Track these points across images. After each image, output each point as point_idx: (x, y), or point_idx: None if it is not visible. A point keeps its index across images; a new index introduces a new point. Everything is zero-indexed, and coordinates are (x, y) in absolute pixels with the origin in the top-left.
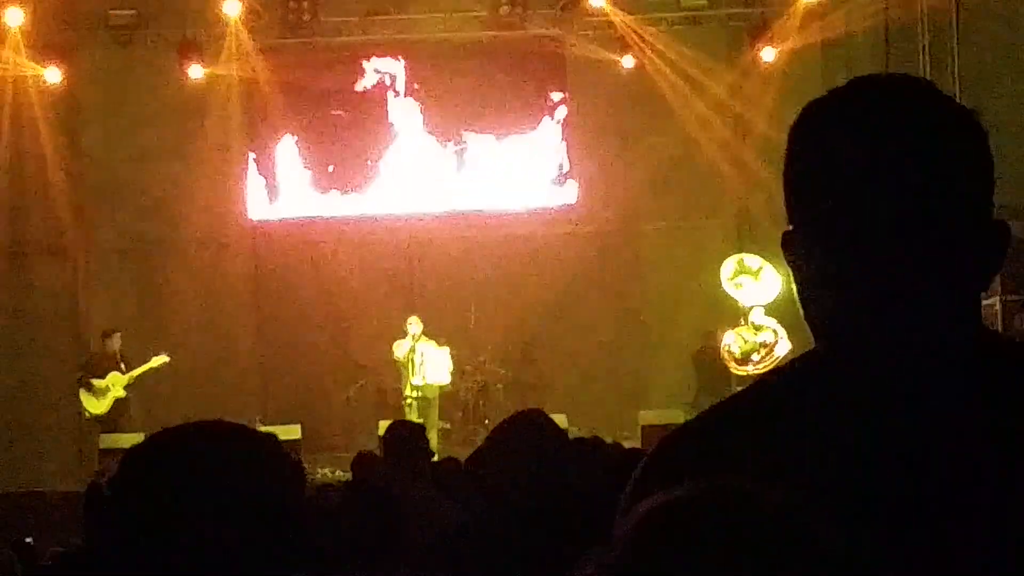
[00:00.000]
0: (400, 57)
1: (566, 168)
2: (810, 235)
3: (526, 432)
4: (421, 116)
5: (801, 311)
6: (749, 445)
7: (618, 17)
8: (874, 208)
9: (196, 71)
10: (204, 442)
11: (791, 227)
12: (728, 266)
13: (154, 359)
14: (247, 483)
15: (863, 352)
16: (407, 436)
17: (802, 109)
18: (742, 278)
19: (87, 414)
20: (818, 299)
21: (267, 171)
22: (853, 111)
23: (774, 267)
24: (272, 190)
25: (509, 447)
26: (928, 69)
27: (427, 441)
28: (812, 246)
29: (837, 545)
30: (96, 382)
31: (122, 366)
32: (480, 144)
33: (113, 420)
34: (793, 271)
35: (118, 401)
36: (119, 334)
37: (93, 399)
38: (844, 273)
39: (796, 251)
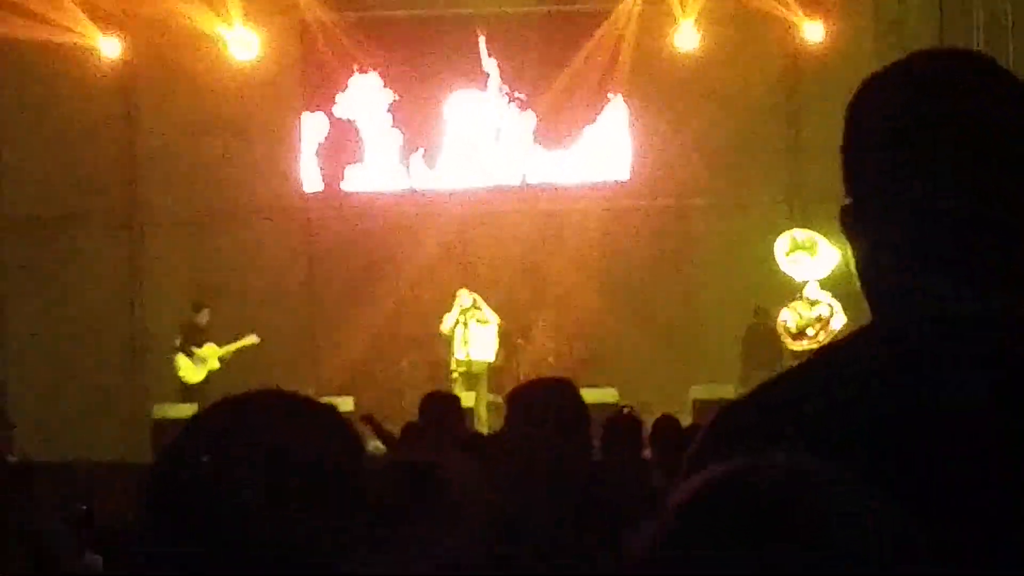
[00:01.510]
0: (448, 29)
1: (621, 143)
2: (870, 208)
3: (545, 399)
4: (475, 90)
5: (859, 284)
6: (805, 418)
7: None
8: (937, 180)
9: (247, 43)
10: (264, 410)
11: (849, 200)
12: (783, 242)
13: (246, 338)
14: (307, 451)
15: (924, 325)
16: (440, 407)
17: (862, 82)
18: (798, 254)
19: (182, 380)
20: (877, 272)
21: (321, 143)
22: (914, 83)
23: (828, 242)
24: (327, 163)
25: (530, 414)
26: (982, 48)
27: (460, 412)
28: (872, 219)
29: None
30: (198, 351)
31: (213, 336)
32: (534, 119)
33: (200, 391)
34: (851, 244)
35: (210, 373)
36: (208, 308)
37: (192, 367)
38: (905, 246)
39: (854, 224)
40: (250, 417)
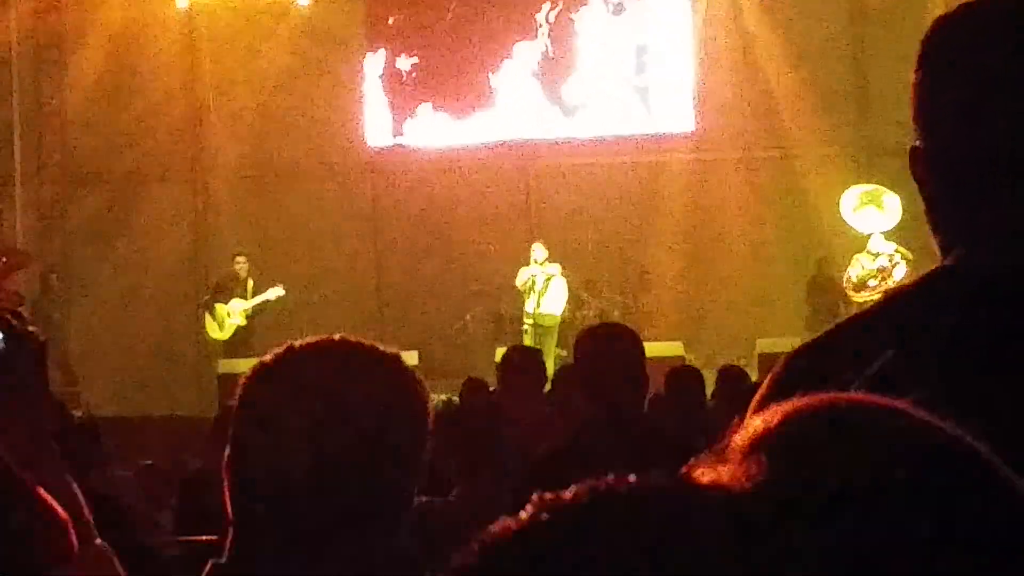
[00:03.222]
0: None
1: (686, 95)
2: (943, 149)
3: (607, 345)
4: (540, 39)
5: (930, 226)
6: (873, 360)
7: None
8: (1015, 119)
9: None
10: (328, 358)
11: (919, 143)
12: (850, 198)
13: (270, 290)
14: (375, 394)
15: (1002, 266)
16: (518, 359)
17: (936, 20)
18: (866, 209)
19: (209, 338)
20: (951, 214)
21: (385, 97)
22: (991, 20)
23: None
24: (391, 116)
25: (594, 358)
26: None
27: (541, 364)
28: (945, 160)
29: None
30: (218, 307)
31: (250, 289)
32: (600, 68)
33: (237, 345)
34: (921, 187)
35: (240, 329)
36: (245, 257)
37: (214, 324)
38: (980, 187)
39: (926, 166)
40: (314, 364)
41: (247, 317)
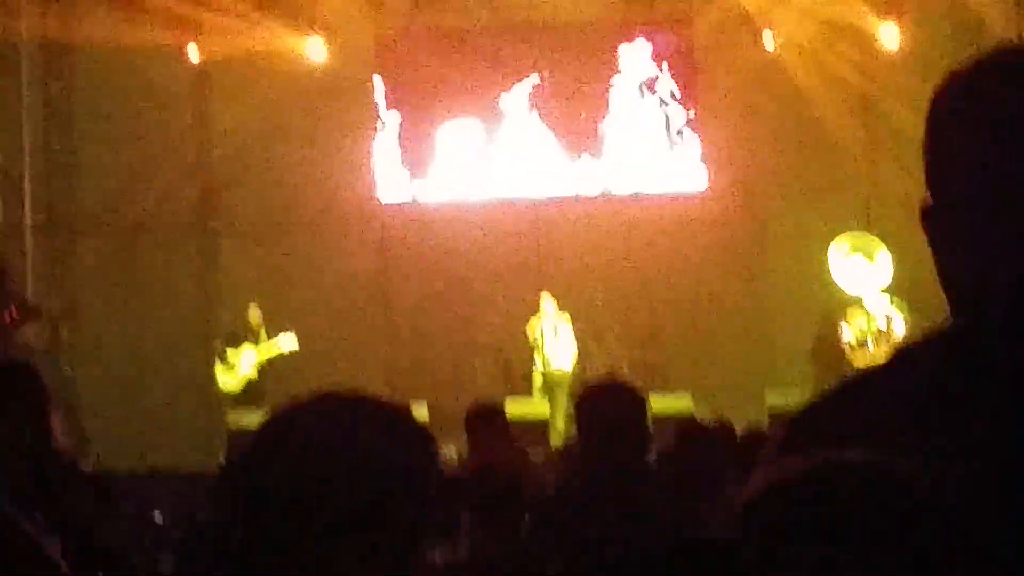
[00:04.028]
0: (526, 37)
1: (693, 150)
2: (956, 207)
3: (607, 403)
4: (546, 98)
5: (940, 283)
6: (882, 418)
7: None
8: None
9: (322, 50)
10: (337, 412)
11: (932, 199)
12: (840, 245)
13: (283, 341)
14: (382, 452)
15: (1017, 326)
16: (482, 414)
17: (946, 78)
18: (855, 256)
19: (219, 389)
20: (963, 273)
21: (395, 151)
22: (1005, 75)
23: (891, 249)
24: (401, 170)
25: (593, 417)
26: None
27: (501, 417)
28: (958, 218)
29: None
30: (229, 352)
31: (262, 338)
32: (606, 125)
33: (246, 397)
34: (931, 242)
35: (250, 381)
36: (256, 304)
37: (226, 373)
38: (994, 243)
39: (938, 224)
40: (325, 419)
41: (258, 370)
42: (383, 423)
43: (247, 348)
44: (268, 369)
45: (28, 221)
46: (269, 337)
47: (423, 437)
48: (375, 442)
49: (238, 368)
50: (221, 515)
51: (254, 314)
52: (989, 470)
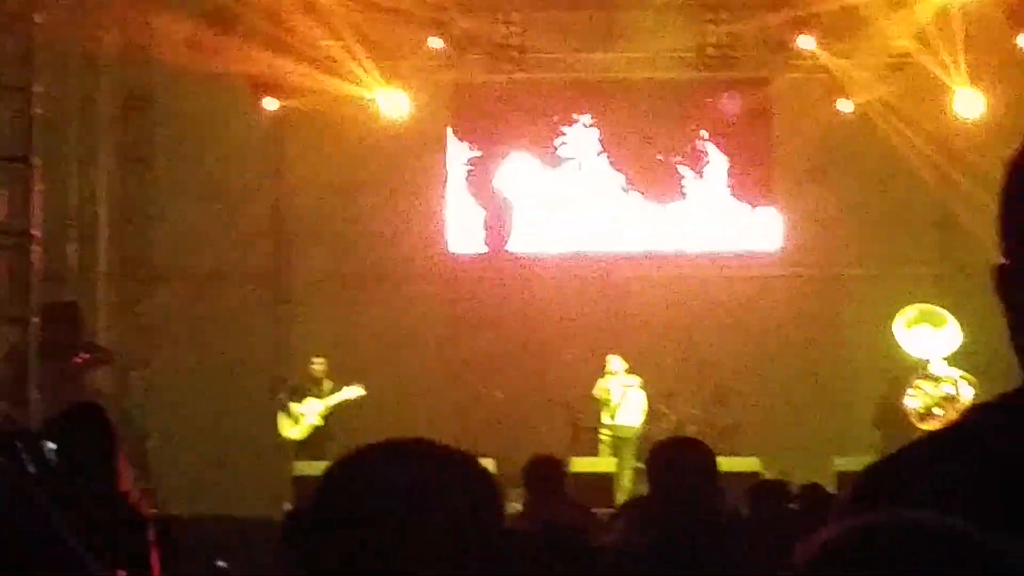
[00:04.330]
0: (602, 93)
1: (768, 209)
2: None
3: (680, 456)
4: (622, 154)
5: (1013, 347)
6: (943, 480)
7: (829, 59)
8: None
9: (399, 103)
10: (401, 455)
11: (1004, 260)
12: (906, 314)
13: (348, 390)
14: (449, 494)
15: None
16: (542, 468)
17: (1023, 142)
18: (921, 327)
19: (283, 438)
20: None
21: (469, 204)
22: None
23: (961, 318)
24: (474, 223)
25: (666, 470)
26: None
27: (559, 471)
28: None
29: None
30: (292, 406)
31: (325, 390)
32: (682, 183)
33: (313, 447)
34: (1005, 307)
35: (317, 429)
36: (323, 359)
37: (289, 423)
38: None
39: (1012, 287)
40: (389, 462)
41: (324, 417)
42: (449, 466)
43: (310, 400)
44: (335, 420)
45: (102, 267)
46: (335, 389)
47: (489, 480)
48: (440, 484)
49: (302, 420)
50: (286, 561)
51: (319, 366)
52: None
